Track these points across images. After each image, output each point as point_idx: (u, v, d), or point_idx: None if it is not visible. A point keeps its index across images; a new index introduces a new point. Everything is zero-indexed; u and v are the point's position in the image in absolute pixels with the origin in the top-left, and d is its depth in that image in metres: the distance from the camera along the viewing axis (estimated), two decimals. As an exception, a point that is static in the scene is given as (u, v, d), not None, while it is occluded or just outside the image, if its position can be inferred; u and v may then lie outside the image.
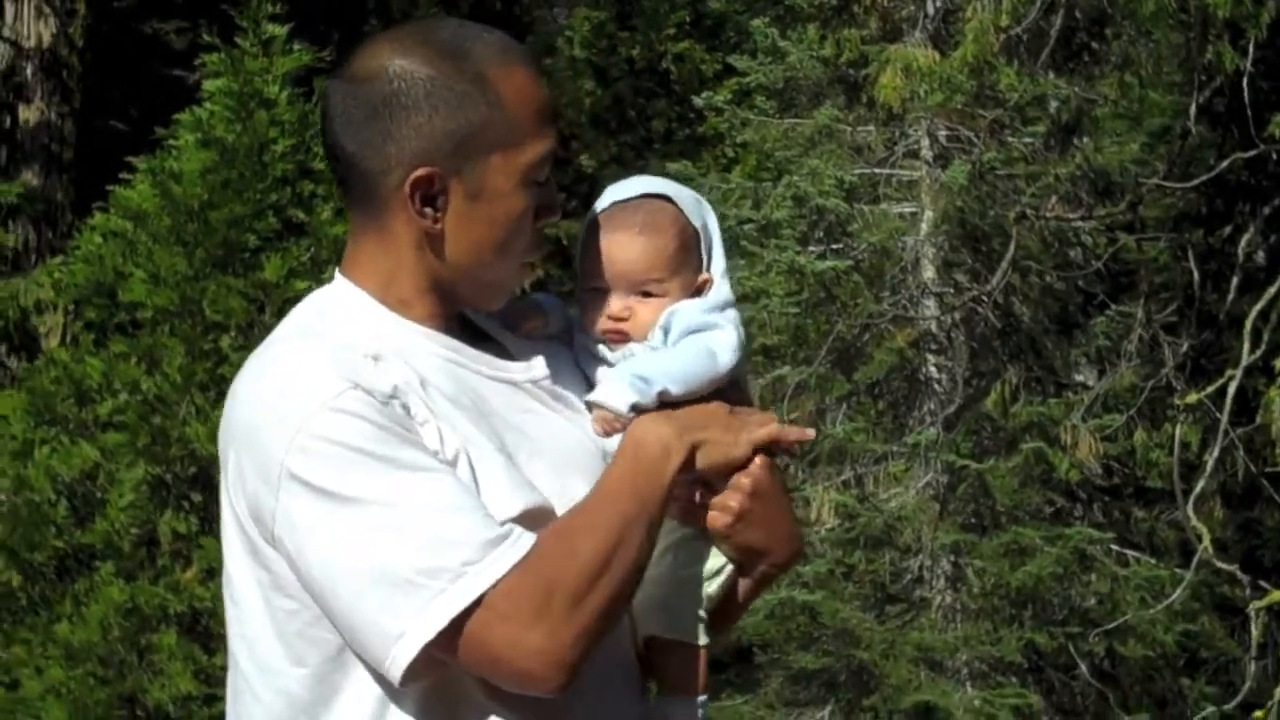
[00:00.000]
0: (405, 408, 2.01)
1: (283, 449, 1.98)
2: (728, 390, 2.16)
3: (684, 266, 2.20)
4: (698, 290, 2.21)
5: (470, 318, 2.22)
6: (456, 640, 1.95)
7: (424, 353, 2.10)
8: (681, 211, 2.21)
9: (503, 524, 1.99)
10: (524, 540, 1.98)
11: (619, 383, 2.11)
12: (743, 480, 2.12)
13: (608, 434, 2.12)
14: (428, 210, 2.08)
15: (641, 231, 2.18)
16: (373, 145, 2.08)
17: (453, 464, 2.02)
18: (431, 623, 1.94)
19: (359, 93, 2.09)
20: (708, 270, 2.23)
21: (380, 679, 1.99)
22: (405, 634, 1.94)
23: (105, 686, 6.84)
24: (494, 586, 1.95)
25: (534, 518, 2.03)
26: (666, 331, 2.17)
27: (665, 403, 2.11)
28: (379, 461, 1.96)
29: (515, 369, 2.18)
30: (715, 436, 2.10)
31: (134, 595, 6.91)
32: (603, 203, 2.23)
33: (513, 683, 1.97)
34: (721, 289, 2.22)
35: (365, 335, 2.08)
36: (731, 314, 2.19)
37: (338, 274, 2.17)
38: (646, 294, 2.19)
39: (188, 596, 6.93)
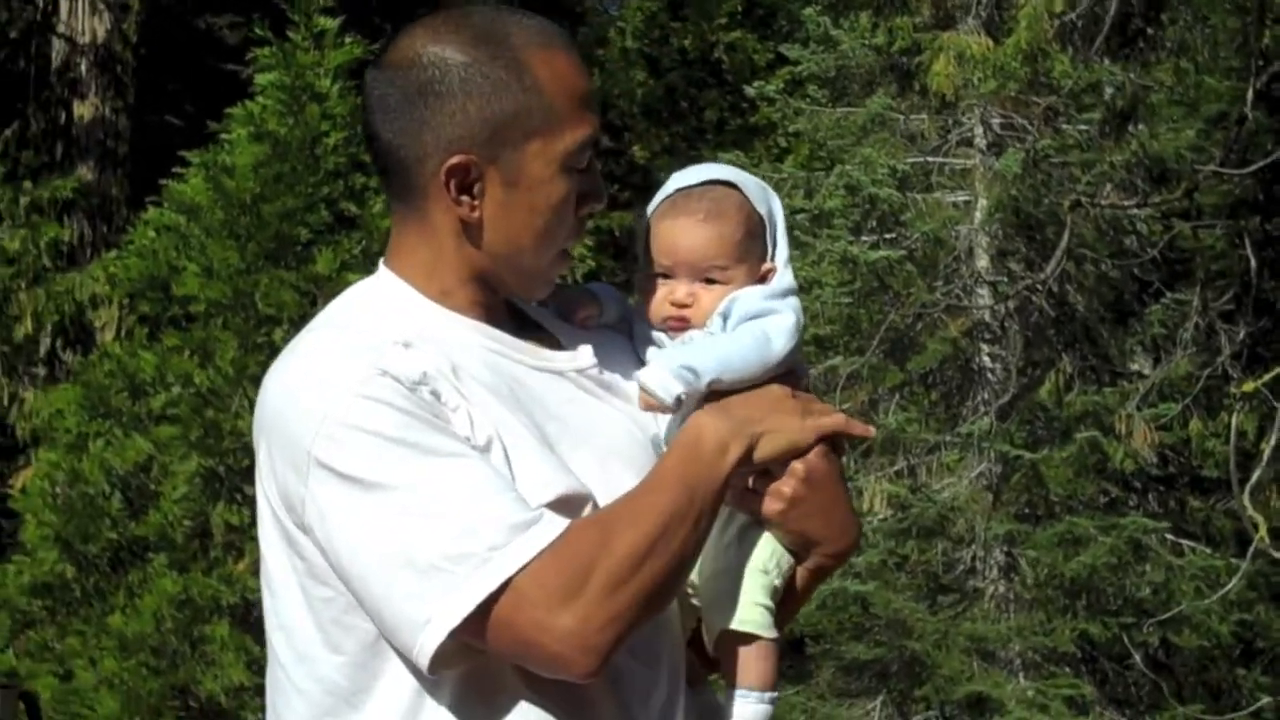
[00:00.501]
0: (435, 394, 1.99)
1: (310, 437, 1.97)
2: (785, 379, 2.13)
3: (749, 254, 2.18)
4: (762, 278, 2.18)
5: (522, 308, 2.21)
6: (485, 625, 1.93)
7: (464, 342, 2.09)
8: (747, 199, 2.19)
9: (540, 508, 1.97)
10: (554, 524, 1.95)
11: (666, 372, 2.08)
12: (798, 466, 2.09)
13: (649, 410, 2.11)
14: (464, 198, 2.06)
15: (707, 218, 2.16)
16: (409, 133, 2.06)
17: (485, 450, 2.00)
18: (457, 608, 1.91)
19: (395, 80, 2.07)
20: (772, 259, 2.20)
21: (415, 666, 1.98)
22: (431, 620, 1.92)
23: (158, 677, 6.88)
24: (521, 570, 1.92)
25: (570, 504, 2.01)
26: (725, 318, 2.14)
27: (716, 391, 2.09)
28: (406, 448, 1.95)
29: (560, 359, 2.16)
30: (777, 424, 2.08)
31: (187, 587, 6.95)
32: (668, 189, 2.21)
33: (542, 666, 1.96)
34: (785, 277, 2.19)
35: (404, 325, 2.07)
36: (792, 301, 2.16)
37: (381, 265, 2.17)
38: (710, 281, 2.16)
39: (240, 588, 6.97)
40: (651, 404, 2.09)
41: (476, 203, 2.07)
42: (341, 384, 1.97)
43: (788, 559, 2.15)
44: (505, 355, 2.12)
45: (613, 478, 2.07)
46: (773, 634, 2.13)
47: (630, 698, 2.06)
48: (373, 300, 2.13)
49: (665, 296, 2.17)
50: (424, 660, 1.94)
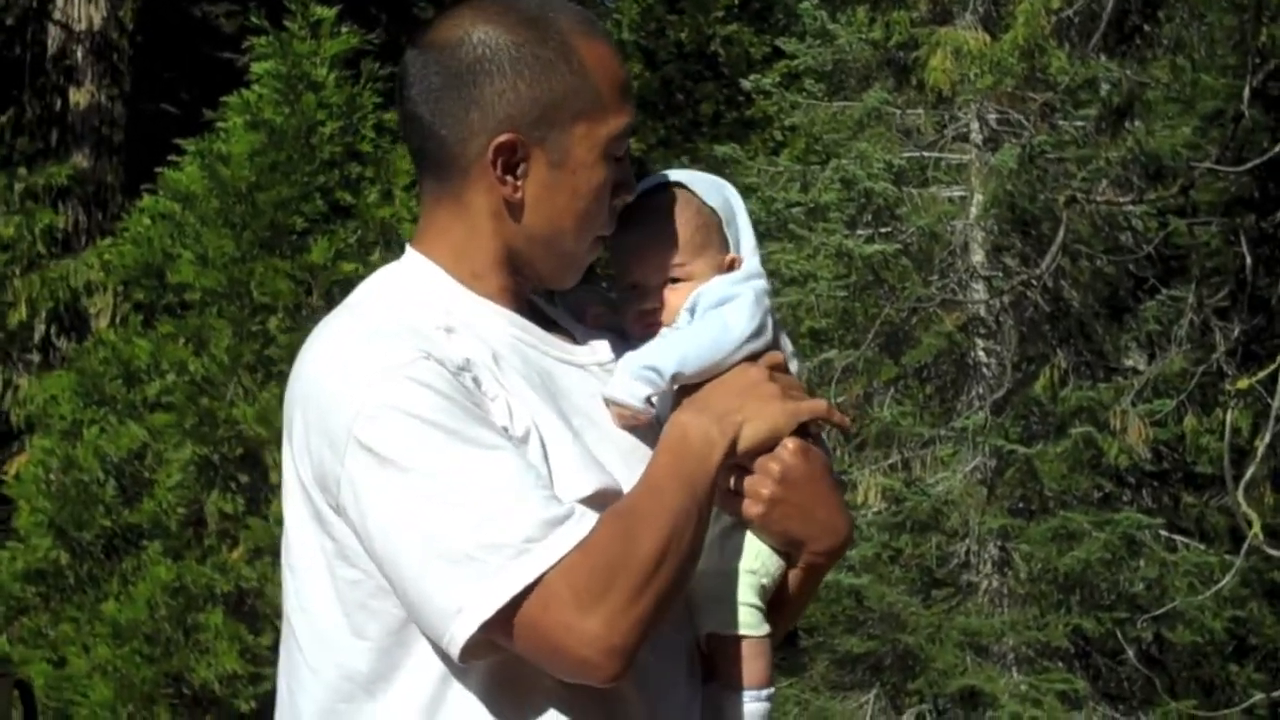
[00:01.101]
0: (476, 381, 1.99)
1: (351, 415, 1.95)
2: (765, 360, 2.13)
3: (706, 247, 2.18)
4: (728, 269, 2.19)
5: (538, 304, 2.20)
6: (513, 622, 1.91)
7: (494, 328, 2.09)
8: (695, 194, 2.19)
9: (571, 504, 1.96)
10: (585, 522, 1.94)
11: (629, 377, 2.08)
12: (771, 466, 2.07)
13: (629, 427, 2.10)
14: (509, 178, 2.05)
15: (653, 224, 2.16)
16: (452, 113, 2.06)
17: (523, 440, 1.99)
18: (491, 600, 1.90)
19: (440, 60, 2.07)
20: (737, 250, 2.20)
21: (443, 655, 1.96)
22: (464, 609, 1.91)
23: (151, 665, 6.87)
24: (554, 567, 1.91)
25: (605, 499, 2.00)
26: (692, 312, 2.14)
27: (686, 386, 2.08)
28: (446, 434, 1.93)
29: (580, 353, 2.16)
30: (756, 411, 2.06)
31: (181, 574, 6.94)
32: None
33: (566, 670, 1.93)
34: (750, 263, 2.19)
35: (436, 308, 2.06)
36: (755, 283, 2.15)
37: (409, 248, 2.15)
38: (674, 280, 2.17)
39: (234, 576, 6.96)
40: (625, 415, 2.09)
41: (520, 183, 2.07)
42: (386, 364, 1.96)
43: (775, 557, 2.14)
44: (534, 346, 2.12)
45: (636, 474, 2.05)
46: (763, 631, 2.12)
47: (656, 696, 2.05)
48: (406, 283, 2.11)
49: (635, 308, 2.18)
50: (455, 650, 1.93)
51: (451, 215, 2.11)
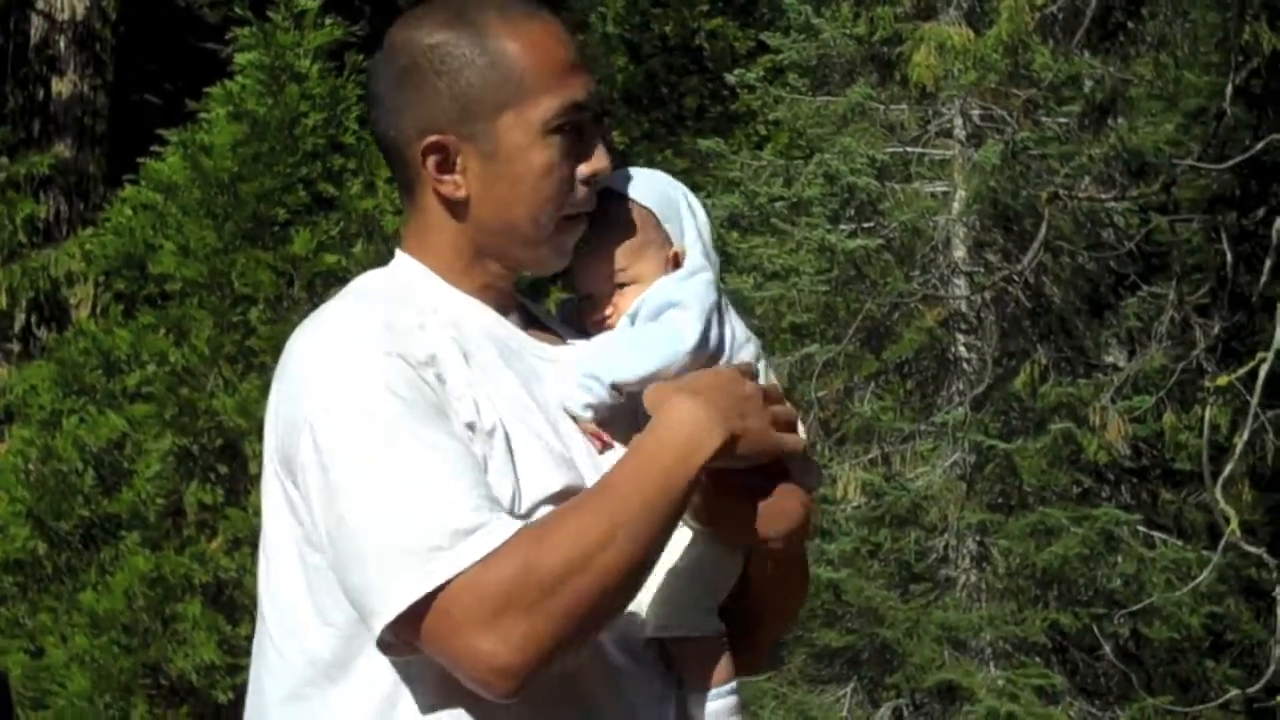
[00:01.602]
0: (439, 377, 2.00)
1: (310, 405, 1.99)
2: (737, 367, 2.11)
3: (646, 247, 2.17)
4: (675, 263, 2.17)
5: (532, 310, 2.22)
6: (419, 627, 1.91)
7: (473, 325, 2.10)
8: (627, 195, 2.18)
9: (493, 514, 1.94)
10: (497, 534, 1.92)
11: (573, 385, 2.08)
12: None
13: (590, 434, 2.09)
14: (446, 177, 2.09)
15: (592, 230, 2.15)
16: (393, 121, 2.11)
17: (490, 435, 2.00)
18: (392, 605, 1.91)
19: (378, 72, 2.14)
20: (681, 241, 2.19)
21: None
22: (374, 611, 1.93)
23: (129, 655, 6.87)
24: (454, 579, 1.90)
25: (573, 496, 2.00)
26: (634, 317, 2.13)
27: (630, 393, 2.06)
28: (389, 431, 1.95)
29: (563, 353, 2.17)
30: (755, 426, 2.03)
31: (159, 565, 6.93)
32: None
33: (467, 682, 1.93)
34: (693, 256, 2.17)
35: (417, 304, 2.09)
36: (699, 278, 2.13)
37: (398, 251, 2.19)
38: (620, 285, 2.17)
39: (213, 567, 6.95)
40: (586, 428, 2.09)
41: (460, 179, 2.09)
42: (350, 358, 1.99)
43: (727, 552, 2.11)
44: (512, 343, 2.13)
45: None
46: (715, 630, 2.10)
47: (635, 701, 2.05)
48: (391, 280, 2.15)
49: (591, 318, 2.19)
50: (380, 645, 1.95)
51: (419, 219, 2.15)
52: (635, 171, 2.22)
